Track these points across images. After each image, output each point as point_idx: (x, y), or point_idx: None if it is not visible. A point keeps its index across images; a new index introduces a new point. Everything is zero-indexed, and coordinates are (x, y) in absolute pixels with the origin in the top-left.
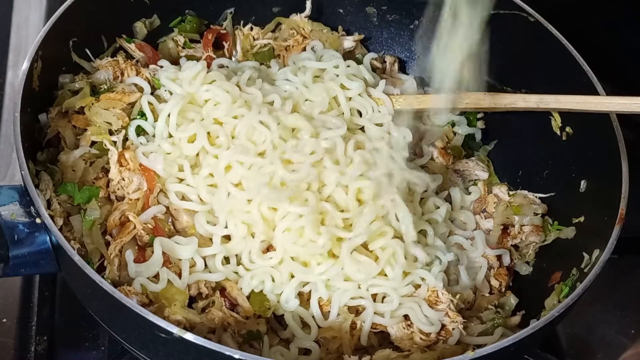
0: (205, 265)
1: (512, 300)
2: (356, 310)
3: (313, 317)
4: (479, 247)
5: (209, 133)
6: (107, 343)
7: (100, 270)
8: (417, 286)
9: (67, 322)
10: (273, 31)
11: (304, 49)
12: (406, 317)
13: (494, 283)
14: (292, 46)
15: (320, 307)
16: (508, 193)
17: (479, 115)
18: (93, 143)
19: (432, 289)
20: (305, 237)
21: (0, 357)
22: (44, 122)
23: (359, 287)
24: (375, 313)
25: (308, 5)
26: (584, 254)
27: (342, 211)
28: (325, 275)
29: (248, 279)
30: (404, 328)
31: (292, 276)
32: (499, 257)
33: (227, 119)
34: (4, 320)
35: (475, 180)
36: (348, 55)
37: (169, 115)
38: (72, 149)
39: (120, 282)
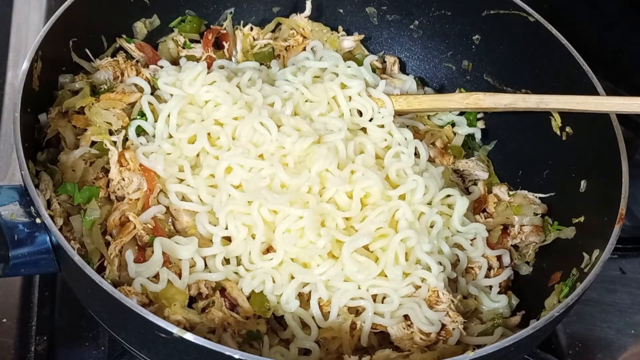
0: (205, 265)
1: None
2: (356, 311)
3: (313, 317)
4: (479, 247)
5: (209, 134)
6: (107, 343)
7: (100, 270)
8: (418, 287)
9: (67, 322)
10: (273, 31)
11: (304, 49)
12: (406, 317)
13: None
14: (292, 46)
15: (320, 307)
16: (508, 193)
17: (479, 115)
18: (93, 143)
19: (433, 289)
20: (306, 239)
21: (0, 357)
22: (44, 122)
23: (359, 288)
24: (375, 313)
25: (308, 5)
26: (584, 254)
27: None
28: (325, 275)
29: (249, 279)
30: (404, 328)
31: (292, 277)
32: (499, 257)
33: (227, 120)
34: (4, 320)
35: (475, 180)
36: (348, 55)
37: (169, 116)
38: (72, 149)
39: (120, 282)
